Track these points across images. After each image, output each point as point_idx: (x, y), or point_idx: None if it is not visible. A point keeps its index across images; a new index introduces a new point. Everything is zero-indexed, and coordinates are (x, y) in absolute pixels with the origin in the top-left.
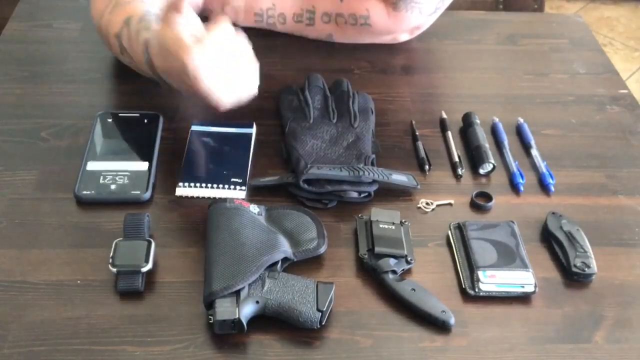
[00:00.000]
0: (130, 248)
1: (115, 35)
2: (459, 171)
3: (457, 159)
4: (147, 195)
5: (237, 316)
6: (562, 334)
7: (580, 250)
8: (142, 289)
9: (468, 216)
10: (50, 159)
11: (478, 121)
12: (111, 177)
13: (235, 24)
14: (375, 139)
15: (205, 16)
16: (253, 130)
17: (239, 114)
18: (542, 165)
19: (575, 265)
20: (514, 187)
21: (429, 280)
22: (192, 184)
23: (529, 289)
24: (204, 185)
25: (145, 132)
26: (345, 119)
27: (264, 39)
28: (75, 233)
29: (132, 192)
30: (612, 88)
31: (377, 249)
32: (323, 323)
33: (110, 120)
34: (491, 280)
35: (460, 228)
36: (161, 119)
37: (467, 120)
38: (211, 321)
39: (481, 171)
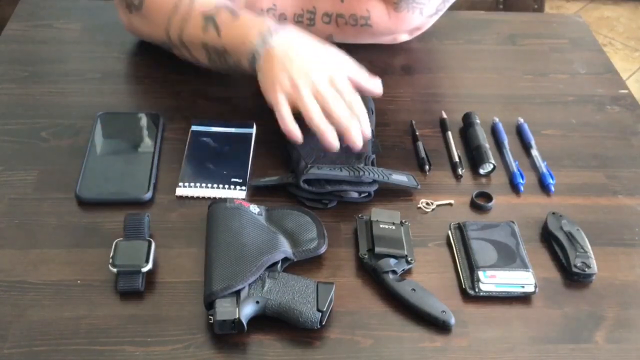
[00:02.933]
0: (131, 248)
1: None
2: (459, 171)
3: (457, 159)
4: (148, 195)
5: (237, 316)
6: (562, 334)
7: (580, 251)
8: (142, 289)
9: (468, 216)
10: (50, 159)
11: (478, 121)
12: (111, 177)
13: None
14: (375, 139)
15: None
16: (253, 130)
17: (239, 114)
18: (542, 166)
19: (575, 266)
20: (514, 187)
21: (429, 280)
22: (192, 184)
23: (529, 289)
24: (204, 185)
25: (145, 132)
26: None
27: None
28: (75, 233)
29: (133, 192)
30: (612, 88)
31: (377, 249)
32: (323, 323)
33: (110, 120)
34: (491, 280)
35: (460, 228)
36: (161, 119)
37: (467, 120)
38: (211, 321)
39: (481, 171)
